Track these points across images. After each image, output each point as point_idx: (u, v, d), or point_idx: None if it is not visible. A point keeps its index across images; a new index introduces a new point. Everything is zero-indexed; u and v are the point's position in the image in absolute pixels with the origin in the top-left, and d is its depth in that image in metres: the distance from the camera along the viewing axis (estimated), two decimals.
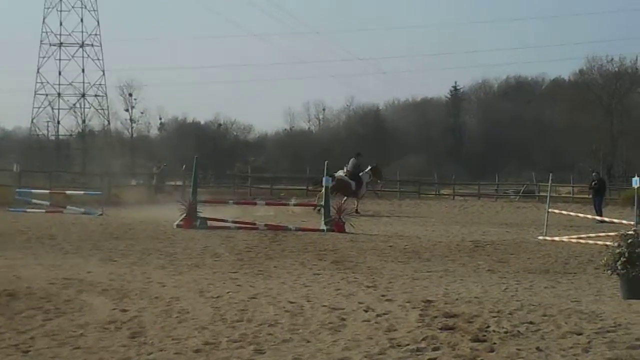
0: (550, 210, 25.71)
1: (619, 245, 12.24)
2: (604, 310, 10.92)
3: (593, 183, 36.75)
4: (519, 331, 9.42)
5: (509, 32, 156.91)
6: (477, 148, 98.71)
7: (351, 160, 37.24)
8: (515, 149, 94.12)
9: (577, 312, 10.74)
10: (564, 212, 28.53)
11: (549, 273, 15.71)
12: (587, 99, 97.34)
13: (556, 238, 23.00)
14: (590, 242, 21.28)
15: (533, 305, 11.26)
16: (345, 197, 35.09)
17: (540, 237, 23.35)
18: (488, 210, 41.89)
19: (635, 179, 24.82)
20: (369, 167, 37.79)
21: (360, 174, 36.67)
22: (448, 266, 16.47)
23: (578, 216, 28.53)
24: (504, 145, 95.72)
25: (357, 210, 34.72)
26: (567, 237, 23.17)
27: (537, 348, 8.57)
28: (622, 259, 12.06)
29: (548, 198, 26.90)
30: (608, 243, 13.47)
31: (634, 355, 8.26)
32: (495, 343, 8.78)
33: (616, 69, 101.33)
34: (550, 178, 27.49)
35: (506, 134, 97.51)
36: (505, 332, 9.35)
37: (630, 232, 12.51)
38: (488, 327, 9.64)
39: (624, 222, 23.96)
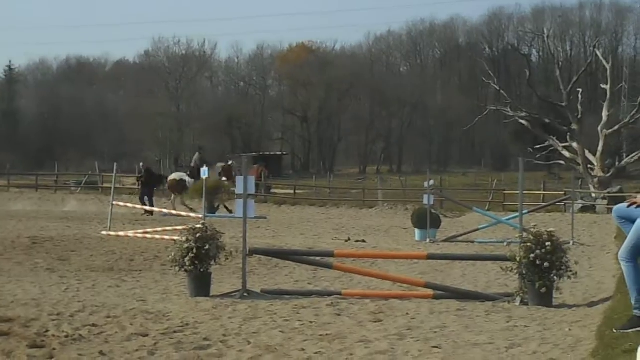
0: (114, 203, 25.94)
1: (187, 240, 12.65)
2: (171, 309, 11.27)
3: (140, 176, 37.74)
4: (80, 335, 9.45)
5: (75, 9, 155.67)
6: (34, 135, 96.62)
7: (195, 155, 36.89)
8: (76, 136, 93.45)
9: (143, 312, 10.99)
10: (129, 204, 28.91)
11: (114, 271, 15.88)
12: (154, 83, 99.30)
13: (121, 233, 23.24)
14: (157, 237, 21.75)
15: (96, 306, 11.34)
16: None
17: (104, 232, 23.48)
18: (47, 203, 41.28)
19: (204, 169, 25.82)
20: (220, 165, 36.90)
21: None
22: (2, 266, 16.05)
23: (144, 209, 29.08)
24: (64, 131, 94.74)
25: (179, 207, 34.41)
26: (132, 231, 23.51)
27: (101, 352, 8.65)
28: (190, 254, 12.48)
29: (112, 190, 27.16)
30: (175, 238, 13.89)
31: (202, 355, 8.63)
32: (55, 348, 8.74)
33: (183, 52, 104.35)
34: (115, 168, 27.72)
35: (67, 120, 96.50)
36: (66, 336, 9.34)
37: (198, 226, 12.97)
38: (47, 331, 9.58)
39: (191, 215, 24.76)
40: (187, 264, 12.49)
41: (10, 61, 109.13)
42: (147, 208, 32.03)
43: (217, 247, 12.76)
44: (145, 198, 35.99)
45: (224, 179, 35.46)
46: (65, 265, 16.44)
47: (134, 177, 42.74)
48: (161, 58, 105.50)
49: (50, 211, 34.81)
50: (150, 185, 37.15)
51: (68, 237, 22.30)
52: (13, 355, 8.45)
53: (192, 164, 36.91)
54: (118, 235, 22.80)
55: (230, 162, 38.31)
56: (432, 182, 26.89)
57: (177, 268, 12.84)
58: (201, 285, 12.58)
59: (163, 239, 20.82)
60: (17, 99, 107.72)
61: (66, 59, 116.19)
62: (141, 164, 40.36)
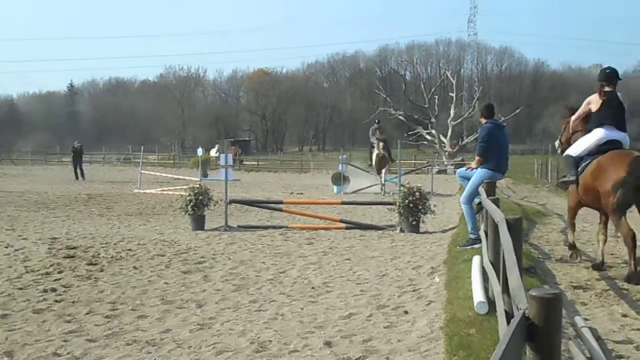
0: (142, 171, 25.62)
1: (189, 194, 12.60)
2: (179, 239, 11.20)
3: (73, 148, 32.38)
4: (121, 256, 9.37)
5: (110, 42, 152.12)
6: (91, 129, 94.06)
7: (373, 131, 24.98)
8: (116, 130, 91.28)
9: (161, 241, 10.90)
10: (152, 172, 28.59)
11: (142, 215, 15.67)
12: (167, 95, 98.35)
13: (147, 191, 22.98)
14: (170, 192, 21.53)
15: (131, 237, 11.22)
16: None
17: (136, 190, 23.18)
18: (98, 172, 40.49)
19: (199, 149, 25.63)
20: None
21: None
22: (69, 213, 15.75)
23: (162, 175, 28.75)
24: (109, 127, 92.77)
25: None
26: (154, 190, 23.26)
27: (134, 267, 8.60)
28: (191, 203, 12.45)
29: (141, 163, 26.86)
30: (182, 193, 13.75)
31: (199, 267, 8.62)
32: (104, 265, 8.66)
33: (186, 74, 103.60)
34: (142, 149, 27.35)
35: (111, 119, 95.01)
36: (111, 257, 9.25)
37: (196, 186, 12.92)
38: (99, 254, 9.46)
39: (193, 178, 24.55)
40: (189, 210, 12.46)
41: (71, 80, 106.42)
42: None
43: (208, 199, 12.72)
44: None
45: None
46: (111, 212, 16.19)
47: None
48: (171, 78, 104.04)
49: (101, 177, 34.12)
50: (78, 158, 31.74)
51: (112, 193, 22.00)
52: (77, 270, 8.35)
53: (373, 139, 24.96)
54: (145, 192, 22.53)
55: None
56: (344, 156, 26.96)
57: (183, 212, 12.80)
58: (198, 223, 12.53)
59: (174, 194, 20.59)
60: (77, 104, 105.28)
61: (109, 79, 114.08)
62: (75, 142, 33.06)
